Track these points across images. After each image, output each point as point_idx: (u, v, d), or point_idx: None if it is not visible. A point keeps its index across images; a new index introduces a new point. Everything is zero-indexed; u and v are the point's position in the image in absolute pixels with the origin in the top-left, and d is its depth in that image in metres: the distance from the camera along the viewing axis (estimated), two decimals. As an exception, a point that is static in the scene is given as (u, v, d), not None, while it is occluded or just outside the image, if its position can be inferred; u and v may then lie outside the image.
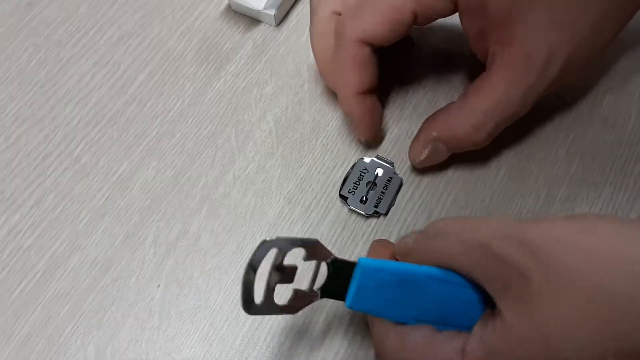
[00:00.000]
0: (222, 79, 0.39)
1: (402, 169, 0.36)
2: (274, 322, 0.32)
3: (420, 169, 0.35)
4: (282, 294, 0.26)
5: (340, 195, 0.35)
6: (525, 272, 0.21)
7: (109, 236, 0.34)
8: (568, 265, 0.21)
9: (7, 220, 0.35)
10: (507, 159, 0.36)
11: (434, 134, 0.33)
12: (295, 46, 0.40)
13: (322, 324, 0.32)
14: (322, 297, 0.26)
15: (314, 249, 0.26)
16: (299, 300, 0.26)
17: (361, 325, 0.32)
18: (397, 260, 0.28)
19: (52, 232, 0.34)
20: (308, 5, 0.37)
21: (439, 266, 0.25)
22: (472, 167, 0.36)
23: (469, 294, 0.25)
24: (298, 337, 0.32)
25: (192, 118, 0.38)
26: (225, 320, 0.32)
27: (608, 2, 0.30)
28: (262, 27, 0.41)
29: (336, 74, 0.34)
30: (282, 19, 0.41)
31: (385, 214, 0.34)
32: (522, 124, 0.37)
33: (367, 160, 0.36)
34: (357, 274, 0.26)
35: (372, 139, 0.36)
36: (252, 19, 0.41)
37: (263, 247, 0.24)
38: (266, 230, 0.34)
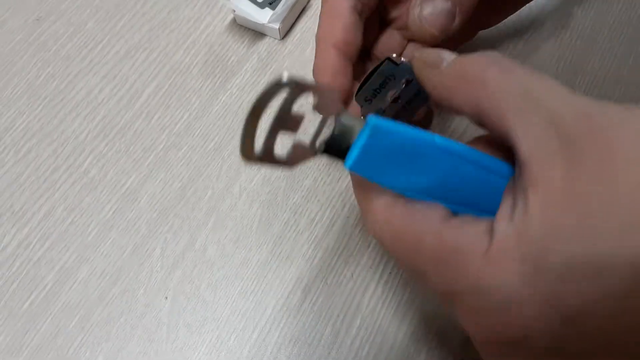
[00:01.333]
0: (228, 92, 0.40)
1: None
2: (280, 333, 0.32)
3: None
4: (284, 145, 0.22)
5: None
6: (571, 131, 0.19)
7: (117, 248, 0.35)
8: (625, 144, 0.19)
9: (17, 233, 0.35)
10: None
11: None
12: (299, 59, 0.41)
13: (328, 335, 0.32)
14: (323, 152, 0.23)
15: (326, 96, 0.23)
16: (298, 153, 0.23)
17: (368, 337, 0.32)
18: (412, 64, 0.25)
19: (61, 245, 0.35)
20: (312, 20, 0.38)
21: (460, 106, 0.22)
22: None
23: (494, 180, 0.22)
24: (305, 348, 0.32)
25: (198, 131, 0.38)
26: (233, 331, 0.32)
27: None
28: (266, 40, 0.41)
29: (318, 29, 0.31)
30: (286, 32, 0.41)
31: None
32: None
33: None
34: (364, 132, 0.22)
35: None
36: (256, 33, 0.42)
37: (273, 88, 0.21)
38: (272, 241, 0.35)
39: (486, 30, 0.40)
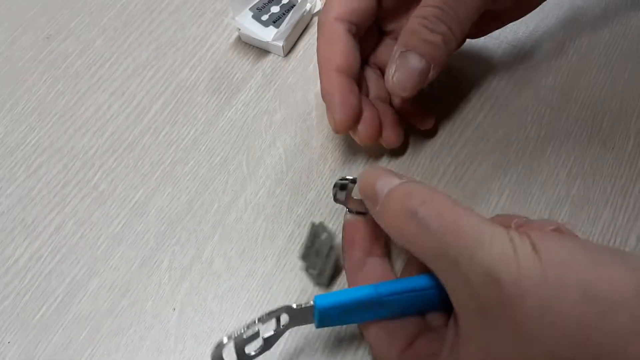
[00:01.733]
0: (234, 108, 0.41)
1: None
2: (285, 344, 0.33)
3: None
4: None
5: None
6: (488, 307, 0.22)
7: (126, 261, 0.36)
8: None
9: (28, 247, 0.36)
10: (509, 183, 0.37)
11: (402, 49, 0.31)
12: (302, 75, 0.42)
13: (332, 345, 0.33)
14: (289, 327, 0.29)
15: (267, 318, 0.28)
16: (271, 342, 0.29)
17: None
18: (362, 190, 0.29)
19: (71, 258, 0.36)
20: (314, 37, 0.39)
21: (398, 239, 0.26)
22: (475, 192, 0.37)
23: (430, 296, 0.27)
24: (309, 358, 0.33)
25: (204, 146, 0.39)
26: (239, 341, 0.33)
27: None
28: (270, 57, 0.43)
29: (319, 55, 0.34)
30: (289, 49, 0.43)
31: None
32: (523, 149, 0.38)
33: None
34: (316, 312, 0.28)
35: (347, 123, 0.34)
36: (261, 50, 0.43)
37: (218, 349, 0.27)
38: (277, 253, 0.35)
39: (483, 46, 0.42)
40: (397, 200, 0.25)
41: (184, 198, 0.37)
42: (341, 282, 0.34)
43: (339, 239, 0.34)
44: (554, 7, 0.44)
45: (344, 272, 0.34)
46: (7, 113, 0.41)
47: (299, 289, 0.34)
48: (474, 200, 0.37)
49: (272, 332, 0.29)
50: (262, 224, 0.36)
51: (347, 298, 0.28)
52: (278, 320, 0.28)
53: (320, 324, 0.29)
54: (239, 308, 0.34)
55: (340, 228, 0.36)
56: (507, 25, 0.38)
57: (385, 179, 0.26)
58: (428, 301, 0.28)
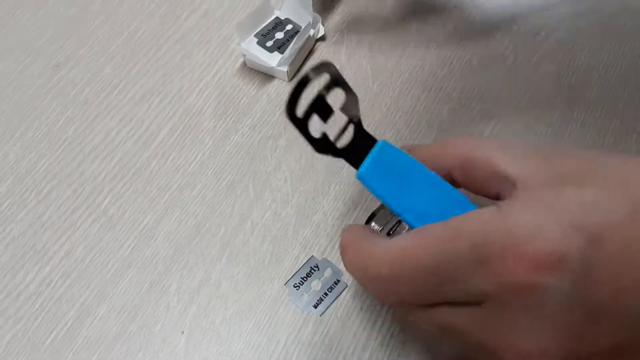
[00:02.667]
0: (240, 132, 0.41)
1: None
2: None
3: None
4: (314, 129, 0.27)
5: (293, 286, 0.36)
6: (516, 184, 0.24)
7: (135, 285, 0.36)
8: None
9: (39, 271, 0.37)
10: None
11: None
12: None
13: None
14: (340, 156, 0.28)
15: (351, 100, 0.28)
16: (325, 144, 0.28)
17: (377, 366, 0.33)
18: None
19: (81, 282, 0.36)
20: (318, 62, 0.39)
21: (435, 166, 0.28)
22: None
23: (468, 204, 0.27)
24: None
25: (211, 170, 0.40)
26: (247, 364, 0.33)
27: None
28: (275, 82, 0.43)
29: None
30: (294, 74, 0.43)
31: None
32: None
33: (319, 258, 0.36)
34: (375, 148, 0.28)
35: None
36: (266, 75, 0.44)
37: (324, 66, 0.27)
38: (283, 276, 0.36)
39: (483, 64, 0.42)
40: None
41: (191, 222, 0.38)
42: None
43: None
44: (554, 28, 0.45)
45: None
46: (18, 140, 0.42)
47: (306, 312, 0.35)
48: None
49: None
50: (269, 246, 0.37)
51: (408, 156, 0.28)
52: (341, 134, 0.28)
53: (366, 170, 0.28)
54: (247, 331, 0.34)
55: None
56: (508, 46, 0.39)
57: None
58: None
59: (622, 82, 0.42)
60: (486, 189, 0.27)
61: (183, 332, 0.34)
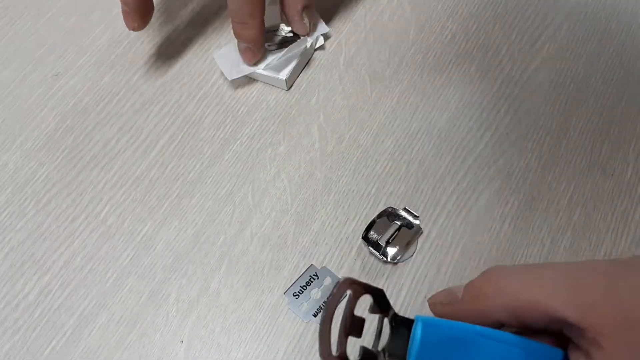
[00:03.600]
0: (238, 141, 0.41)
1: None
2: (293, 375, 0.33)
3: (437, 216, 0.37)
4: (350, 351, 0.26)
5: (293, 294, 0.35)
6: (595, 337, 0.23)
7: (134, 294, 0.36)
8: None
9: (38, 281, 0.37)
10: (512, 211, 0.38)
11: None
12: (305, 108, 0.43)
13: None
14: (389, 357, 0.26)
15: (379, 299, 0.27)
16: (367, 358, 0.26)
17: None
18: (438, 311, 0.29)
19: (80, 292, 0.36)
20: (316, 71, 0.40)
21: (482, 323, 0.26)
22: (477, 220, 0.38)
23: (526, 355, 0.26)
24: (316, 388, 0.33)
25: (210, 178, 0.40)
26: (246, 373, 0.33)
27: None
28: (274, 91, 0.44)
29: None
30: (292, 83, 0.44)
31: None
32: (524, 177, 0.39)
33: (318, 267, 0.36)
34: (417, 331, 0.26)
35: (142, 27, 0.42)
36: (265, 84, 0.44)
37: (342, 288, 0.26)
38: (283, 284, 0.36)
39: (483, 74, 0.42)
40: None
41: (190, 231, 0.38)
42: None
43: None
44: (551, 36, 0.45)
45: None
46: (17, 149, 0.42)
47: (305, 321, 0.35)
48: (476, 229, 0.37)
49: (369, 345, 0.27)
50: (268, 255, 0.37)
51: (452, 323, 0.26)
52: (379, 334, 0.27)
53: (417, 354, 0.26)
54: (246, 340, 0.34)
55: (345, 259, 0.37)
56: (505, 54, 0.39)
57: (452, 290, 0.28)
58: None
59: (619, 89, 0.42)
60: (546, 331, 0.26)
61: (182, 341, 0.34)
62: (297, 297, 0.35)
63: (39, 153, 0.42)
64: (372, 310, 0.27)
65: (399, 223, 0.37)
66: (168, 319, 0.35)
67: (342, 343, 0.26)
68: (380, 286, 0.35)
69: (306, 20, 0.43)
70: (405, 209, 0.37)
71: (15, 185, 0.40)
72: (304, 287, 0.35)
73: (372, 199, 0.39)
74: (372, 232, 0.36)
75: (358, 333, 0.26)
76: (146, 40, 0.47)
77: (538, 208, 0.38)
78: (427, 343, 0.26)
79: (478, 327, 0.26)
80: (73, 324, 0.35)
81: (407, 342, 0.26)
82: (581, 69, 0.44)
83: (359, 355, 0.26)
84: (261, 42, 0.42)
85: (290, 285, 0.36)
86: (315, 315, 0.35)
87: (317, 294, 0.35)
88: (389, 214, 0.37)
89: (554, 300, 0.24)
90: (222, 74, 0.44)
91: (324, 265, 0.36)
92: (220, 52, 0.44)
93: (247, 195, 0.39)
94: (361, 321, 0.26)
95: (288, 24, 0.44)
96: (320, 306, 0.35)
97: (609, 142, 0.40)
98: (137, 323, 0.35)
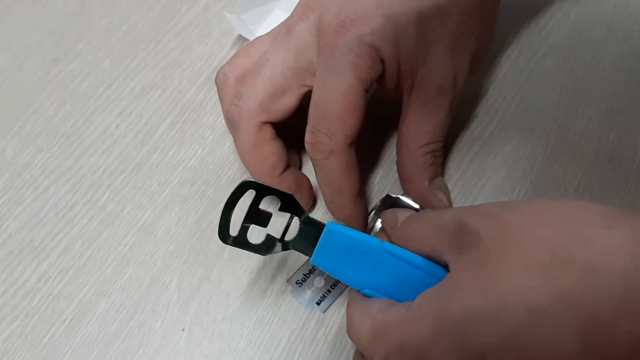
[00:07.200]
0: (240, 127, 0.41)
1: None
2: (296, 363, 0.33)
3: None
4: (257, 235, 0.30)
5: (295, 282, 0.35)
6: (478, 230, 0.24)
7: (135, 281, 0.35)
8: (517, 226, 0.24)
9: (36, 268, 0.36)
10: (517, 199, 0.37)
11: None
12: (309, 94, 0.42)
13: (343, 364, 0.33)
14: (292, 248, 0.30)
15: (288, 202, 0.29)
16: (270, 245, 0.30)
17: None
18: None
19: (80, 279, 0.36)
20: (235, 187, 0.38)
21: (414, 250, 0.28)
22: (484, 206, 0.37)
23: (424, 277, 0.28)
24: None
25: (212, 165, 0.39)
26: (249, 362, 0.33)
27: (483, 22, 0.35)
28: (277, 76, 0.43)
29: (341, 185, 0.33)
30: (296, 68, 0.43)
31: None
32: (530, 165, 0.38)
33: None
34: (324, 235, 0.29)
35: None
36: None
37: (242, 187, 0.29)
38: (286, 272, 0.35)
39: (490, 63, 0.42)
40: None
41: (191, 218, 0.37)
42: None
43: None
44: (559, 23, 0.44)
45: None
46: (15, 135, 0.41)
47: (309, 309, 0.34)
48: (482, 217, 0.37)
49: (277, 236, 0.30)
50: (271, 242, 0.36)
51: (356, 234, 0.29)
52: (287, 229, 0.30)
53: (318, 256, 0.29)
54: (249, 328, 0.34)
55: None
56: (512, 41, 0.38)
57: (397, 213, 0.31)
58: (418, 286, 0.27)
59: (627, 76, 0.42)
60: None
61: (184, 329, 0.34)
62: (300, 285, 0.35)
63: (37, 138, 0.41)
64: (281, 209, 0.30)
65: None
66: (169, 306, 0.35)
67: (244, 228, 0.29)
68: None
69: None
70: (405, 194, 0.36)
71: (14, 171, 0.40)
72: (307, 275, 0.35)
73: (376, 187, 0.38)
74: (373, 219, 0.36)
75: (263, 223, 0.30)
76: (146, 24, 0.46)
77: (545, 196, 0.37)
78: (329, 246, 0.29)
79: (387, 243, 0.29)
80: (72, 311, 0.35)
81: (314, 240, 0.29)
82: (589, 56, 0.43)
83: (263, 241, 0.30)
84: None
85: (293, 273, 0.35)
86: (318, 304, 0.34)
87: (320, 282, 0.35)
88: (390, 201, 0.36)
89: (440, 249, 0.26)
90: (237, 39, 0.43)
91: (327, 253, 0.36)
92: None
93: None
94: (267, 214, 0.30)
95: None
96: (324, 294, 0.34)
97: (617, 130, 0.40)
98: (137, 311, 0.35)
